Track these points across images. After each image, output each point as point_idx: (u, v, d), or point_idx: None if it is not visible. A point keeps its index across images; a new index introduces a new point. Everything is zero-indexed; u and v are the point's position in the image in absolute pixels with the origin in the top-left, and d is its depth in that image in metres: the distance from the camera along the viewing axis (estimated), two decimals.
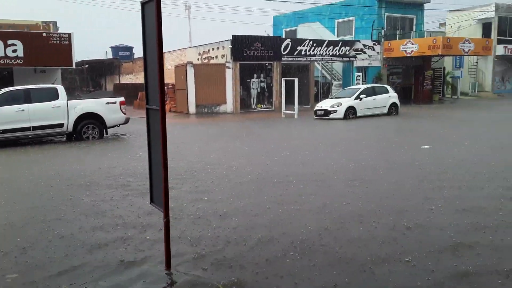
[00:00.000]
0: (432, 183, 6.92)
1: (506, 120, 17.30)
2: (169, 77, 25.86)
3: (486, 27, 32.20)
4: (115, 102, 13.73)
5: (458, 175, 7.43)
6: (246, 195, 6.52)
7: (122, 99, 14.05)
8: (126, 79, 35.22)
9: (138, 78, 32.19)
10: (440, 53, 26.63)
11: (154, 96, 4.02)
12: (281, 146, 11.69)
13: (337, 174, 7.81)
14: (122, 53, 38.41)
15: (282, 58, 24.58)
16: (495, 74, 32.71)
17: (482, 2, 32.51)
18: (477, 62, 32.52)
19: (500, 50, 31.71)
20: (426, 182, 6.98)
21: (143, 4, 4.02)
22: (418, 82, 29.50)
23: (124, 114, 13.83)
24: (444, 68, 31.85)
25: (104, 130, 13.63)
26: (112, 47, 40.18)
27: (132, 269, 4.07)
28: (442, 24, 36.75)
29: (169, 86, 24.57)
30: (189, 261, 4.22)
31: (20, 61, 16.97)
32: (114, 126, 13.95)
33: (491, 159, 8.91)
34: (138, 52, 35.39)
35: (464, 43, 26.90)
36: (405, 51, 27.18)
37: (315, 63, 26.73)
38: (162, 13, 3.74)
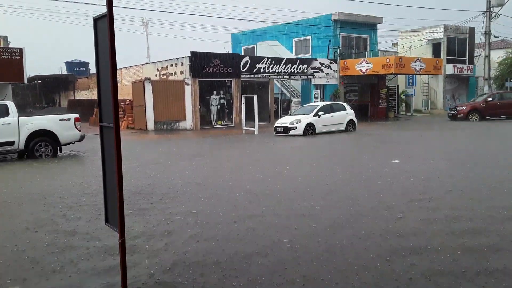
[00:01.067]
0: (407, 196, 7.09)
1: (456, 137, 18.08)
2: (127, 93, 25.43)
3: (436, 47, 33.78)
4: (69, 119, 13.30)
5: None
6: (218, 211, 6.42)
7: (77, 115, 13.63)
8: (81, 95, 34.34)
9: (93, 94, 31.44)
10: (393, 72, 27.64)
11: (108, 113, 3.91)
12: (244, 162, 11.67)
13: (329, 186, 7.84)
14: (77, 68, 37.44)
15: (242, 75, 24.75)
16: (446, 92, 34.26)
17: (432, 23, 34.21)
18: (428, 81, 33.97)
19: (449, 69, 33.30)
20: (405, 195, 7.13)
21: (95, 20, 3.93)
22: (374, 99, 30.48)
23: (79, 131, 13.41)
24: (398, 86, 33.06)
25: (58, 148, 13.15)
26: (66, 63, 39.10)
27: None
28: (395, 44, 38.27)
29: (127, 102, 24.14)
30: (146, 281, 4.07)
31: None
32: (68, 144, 13.50)
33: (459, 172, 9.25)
34: (94, 68, 34.70)
35: (415, 62, 28.05)
36: (360, 69, 28.03)
37: (274, 80, 27.07)
38: (116, 29, 3.66)
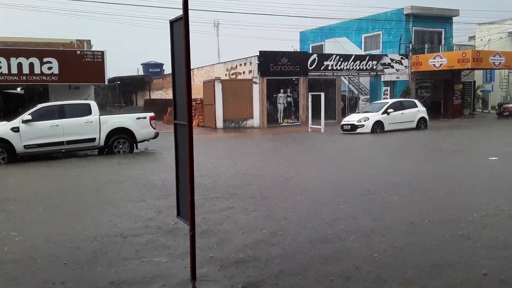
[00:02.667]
0: None
1: None
2: (198, 93, 26.33)
3: None
4: (145, 117, 14.09)
5: None
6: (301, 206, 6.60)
7: (152, 114, 14.41)
8: (156, 94, 36.00)
9: (167, 93, 32.89)
10: (469, 67, 26.16)
11: (182, 112, 4.17)
12: (315, 161, 11.73)
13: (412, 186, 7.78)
14: (152, 69, 39.33)
15: (309, 73, 24.69)
16: None
17: None
18: (508, 76, 31.76)
19: None
20: None
21: (171, 23, 4.21)
22: (448, 96, 28.98)
23: (154, 129, 14.17)
24: (475, 81, 31.23)
25: (135, 145, 13.98)
26: (143, 64, 41.21)
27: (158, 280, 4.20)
28: (472, 37, 36.14)
29: (198, 101, 24.98)
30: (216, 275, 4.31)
31: (55, 78, 17.66)
32: (144, 141, 14.30)
33: None
34: (168, 69, 36.20)
35: (494, 56, 26.36)
36: (434, 65, 26.83)
37: (342, 77, 26.70)
38: (190, 31, 3.91)
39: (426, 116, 20.59)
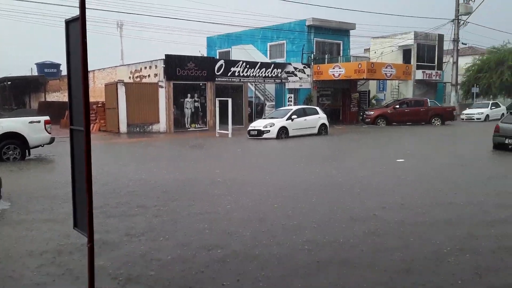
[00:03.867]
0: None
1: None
2: (99, 96, 25.14)
3: (406, 53, 34.61)
4: (39, 121, 13.06)
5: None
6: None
7: (47, 118, 13.40)
8: (52, 97, 33.67)
9: (65, 96, 30.86)
10: (365, 77, 28.20)
11: (79, 117, 3.91)
12: (220, 165, 11.73)
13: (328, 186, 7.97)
14: (48, 70, 36.75)
15: (216, 79, 24.79)
16: (415, 97, 35.06)
17: (403, 30, 35.00)
18: (398, 86, 34.74)
19: (419, 75, 34.14)
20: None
21: (67, 23, 3.94)
22: (346, 104, 30.98)
23: (49, 133, 13.19)
24: (369, 91, 33.69)
25: (27, 151, 12.90)
26: (37, 64, 38.35)
27: None
28: (367, 50, 39.00)
29: (99, 105, 23.84)
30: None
31: None
32: (37, 146, 13.25)
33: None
34: (65, 70, 34.04)
35: (386, 68, 28.68)
36: (333, 74, 28.47)
37: (249, 84, 27.21)
38: (89, 31, 3.69)
39: (327, 123, 21.73)
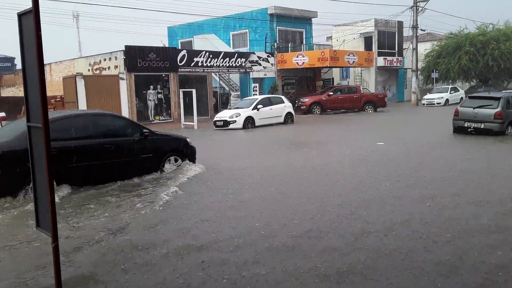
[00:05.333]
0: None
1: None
2: (57, 89, 24.31)
3: (367, 40, 35.12)
4: None
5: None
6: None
7: (3, 114, 12.86)
8: (7, 92, 32.27)
9: (21, 90, 29.62)
10: (328, 65, 28.46)
11: (36, 113, 3.74)
12: None
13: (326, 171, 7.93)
14: (2, 64, 35.18)
15: (179, 69, 24.38)
16: (378, 83, 35.74)
17: (364, 18, 35.50)
18: (361, 73, 35.29)
19: (380, 61, 34.76)
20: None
21: (20, 16, 3.73)
22: (310, 92, 31.20)
23: None
24: (333, 78, 34.06)
25: None
26: None
27: None
28: (329, 38, 39.37)
29: (57, 99, 23.04)
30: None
31: None
32: None
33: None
34: (20, 63, 32.65)
35: (349, 55, 29.04)
36: (297, 63, 28.58)
37: (213, 74, 26.94)
38: (43, 23, 3.50)
39: (292, 111, 21.83)
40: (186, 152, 9.62)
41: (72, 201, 7.13)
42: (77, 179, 7.78)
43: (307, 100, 26.66)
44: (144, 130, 8.81)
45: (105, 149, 8.10)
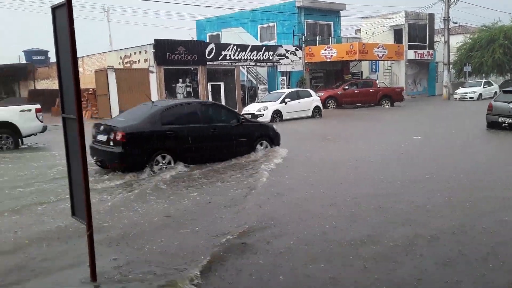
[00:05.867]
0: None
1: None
2: (90, 82, 24.81)
3: (397, 33, 34.46)
4: (30, 110, 12.88)
5: None
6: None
7: (38, 106, 13.22)
8: (42, 84, 33.18)
9: (55, 83, 30.40)
10: (357, 58, 28.09)
11: (70, 105, 3.84)
12: None
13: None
14: (36, 57, 36.13)
15: (207, 63, 24.55)
16: (408, 77, 35.08)
17: (393, 10, 34.81)
18: (391, 66, 34.69)
19: (411, 55, 34.06)
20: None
21: (53, 9, 3.83)
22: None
23: (41, 122, 13.02)
24: (362, 72, 33.61)
25: (20, 140, 12.75)
26: (25, 51, 37.65)
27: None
28: (358, 31, 38.79)
29: (90, 92, 23.57)
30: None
31: None
32: (30, 135, 13.10)
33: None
34: (54, 57, 33.42)
35: (378, 48, 28.57)
36: (325, 56, 28.32)
37: (241, 67, 27.00)
38: (76, 17, 3.59)
39: (320, 105, 21.66)
40: (273, 136, 10.75)
41: (190, 176, 8.22)
42: (189, 158, 8.88)
43: (321, 94, 25.45)
44: (240, 117, 10.10)
45: (210, 133, 9.31)
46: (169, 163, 8.60)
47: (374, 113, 22.76)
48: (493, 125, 14.20)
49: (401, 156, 10.30)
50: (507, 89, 16.37)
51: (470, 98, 30.51)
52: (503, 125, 13.83)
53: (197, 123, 9.22)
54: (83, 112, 24.93)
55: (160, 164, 8.50)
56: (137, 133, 8.35)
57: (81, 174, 3.79)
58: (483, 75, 36.41)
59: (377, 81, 27.90)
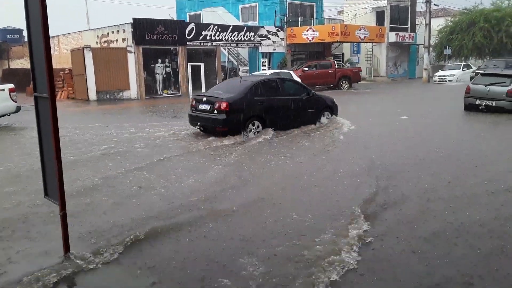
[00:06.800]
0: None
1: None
2: (65, 62, 24.28)
3: (379, 15, 34.44)
4: (3, 90, 12.51)
5: None
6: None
7: (12, 85, 12.85)
8: (16, 64, 32.30)
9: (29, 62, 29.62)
10: (338, 40, 28.04)
11: (43, 83, 3.72)
12: None
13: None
14: (10, 36, 35.02)
15: (187, 43, 24.17)
16: (389, 60, 35.22)
17: None
18: (372, 49, 34.74)
19: (392, 37, 34.15)
20: None
21: None
22: None
23: (15, 102, 12.68)
24: (343, 54, 33.58)
25: None
26: None
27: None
28: (340, 12, 38.65)
29: (66, 72, 23.02)
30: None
31: None
32: (3, 116, 12.75)
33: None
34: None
35: (360, 30, 28.56)
36: (307, 37, 28.18)
37: (221, 48, 26.68)
38: None
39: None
40: (333, 108, 12.46)
41: (283, 138, 10.12)
42: (274, 125, 10.69)
43: None
44: (310, 91, 11.80)
45: (289, 104, 11.15)
46: (257, 128, 10.41)
47: (346, 96, 22.83)
48: (470, 108, 14.41)
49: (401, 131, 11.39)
50: (485, 71, 16.57)
51: (449, 81, 30.85)
52: (480, 107, 14.05)
53: (279, 96, 11.06)
54: (59, 92, 24.40)
55: (252, 129, 10.31)
56: (237, 104, 10.14)
57: (53, 154, 3.70)
58: (463, 58, 36.81)
59: (335, 62, 27.19)
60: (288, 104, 11.14)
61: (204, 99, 10.63)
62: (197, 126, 10.73)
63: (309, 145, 9.39)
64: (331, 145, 9.39)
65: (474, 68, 32.65)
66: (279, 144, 9.45)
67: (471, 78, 24.45)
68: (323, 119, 11.98)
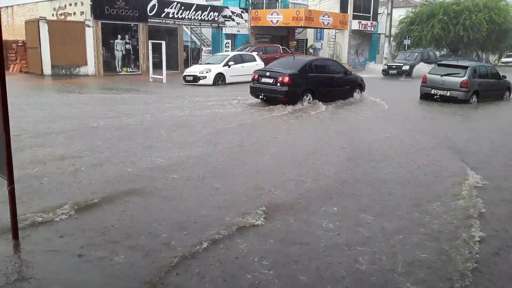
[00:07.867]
0: None
1: None
2: (19, 34, 23.14)
3: (343, 2, 34.63)
4: None
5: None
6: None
7: None
8: None
9: None
10: (302, 25, 28.09)
11: None
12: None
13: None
14: None
15: (149, 20, 23.50)
16: (350, 47, 35.64)
17: None
18: (335, 36, 35.06)
19: (355, 25, 34.52)
20: None
21: None
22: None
23: None
24: (307, 39, 33.71)
25: None
26: None
27: None
28: None
29: (19, 44, 21.94)
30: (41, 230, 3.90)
31: None
32: None
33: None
34: None
35: (324, 16, 28.72)
36: (271, 20, 28.07)
37: (184, 27, 26.14)
38: None
39: None
40: (363, 85, 14.89)
41: (331, 109, 12.45)
42: (323, 97, 13.08)
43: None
44: (347, 70, 14.44)
45: (332, 80, 13.62)
46: (309, 100, 12.68)
47: None
48: (426, 97, 14.87)
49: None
50: (441, 62, 17.10)
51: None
52: (435, 97, 14.53)
53: (325, 73, 13.44)
54: (11, 66, 23.28)
55: (305, 100, 12.58)
56: (296, 78, 12.36)
57: (1, 126, 3.51)
58: (421, 49, 37.81)
59: (280, 47, 26.46)
60: (332, 81, 13.50)
61: (268, 73, 12.65)
62: (260, 96, 12.76)
63: (359, 110, 12.52)
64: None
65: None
66: (340, 109, 12.43)
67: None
68: (356, 95, 14.38)
